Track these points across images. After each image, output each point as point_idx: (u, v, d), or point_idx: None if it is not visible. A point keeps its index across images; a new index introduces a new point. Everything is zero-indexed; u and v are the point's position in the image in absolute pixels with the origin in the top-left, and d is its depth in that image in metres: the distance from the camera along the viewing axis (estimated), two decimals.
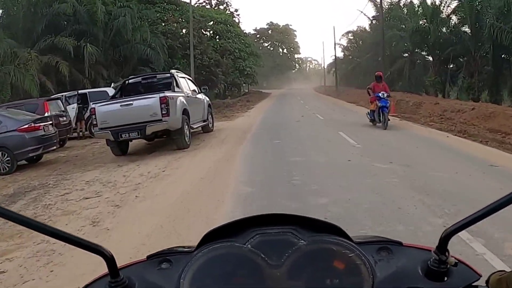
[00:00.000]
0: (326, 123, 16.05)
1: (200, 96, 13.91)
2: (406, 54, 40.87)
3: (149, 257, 0.85)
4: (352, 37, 60.81)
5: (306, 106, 27.29)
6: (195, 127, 12.41)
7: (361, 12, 42.18)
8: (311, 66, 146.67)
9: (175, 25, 34.51)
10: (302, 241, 0.81)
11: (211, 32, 38.53)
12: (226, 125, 16.90)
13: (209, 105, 14.92)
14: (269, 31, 79.53)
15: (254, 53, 43.24)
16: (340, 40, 64.52)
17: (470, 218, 0.68)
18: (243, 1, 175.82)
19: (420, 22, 33.80)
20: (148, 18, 31.94)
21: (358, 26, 52.61)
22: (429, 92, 34.15)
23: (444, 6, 31.43)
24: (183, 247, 0.89)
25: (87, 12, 23.86)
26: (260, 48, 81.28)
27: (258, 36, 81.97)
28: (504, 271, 0.73)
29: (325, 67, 70.65)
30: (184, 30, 36.08)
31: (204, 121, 13.83)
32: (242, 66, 39.19)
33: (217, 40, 39.82)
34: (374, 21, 44.48)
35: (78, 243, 0.68)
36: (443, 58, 32.94)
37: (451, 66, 33.13)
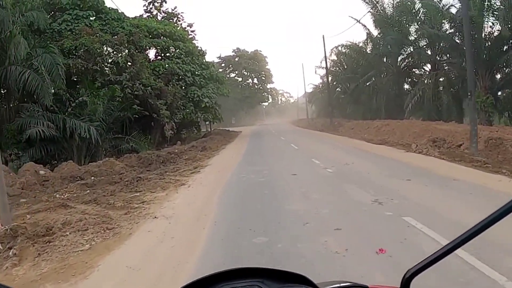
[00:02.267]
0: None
1: None
2: (427, 68, 30.59)
3: None
4: (337, 57, 50.84)
5: (305, 154, 15.69)
6: None
7: (358, 21, 31.05)
8: (283, 99, 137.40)
9: (91, 38, 22.62)
10: None
11: (150, 48, 26.85)
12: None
13: None
14: (236, 59, 69.10)
15: (215, 77, 31.72)
16: (321, 62, 53.30)
17: (429, 259, 0.74)
18: (205, 30, 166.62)
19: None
20: (35, 25, 20.03)
21: (340, 45, 42.45)
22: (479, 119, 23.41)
23: None
24: None
25: None
26: (227, 78, 70.56)
27: (223, 65, 71.34)
28: None
29: (306, 96, 60.22)
30: (108, 48, 24.23)
31: None
32: (197, 95, 27.41)
33: (161, 60, 28.18)
34: (374, 31, 34.02)
35: None
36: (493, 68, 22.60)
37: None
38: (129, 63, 24.52)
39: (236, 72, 71.86)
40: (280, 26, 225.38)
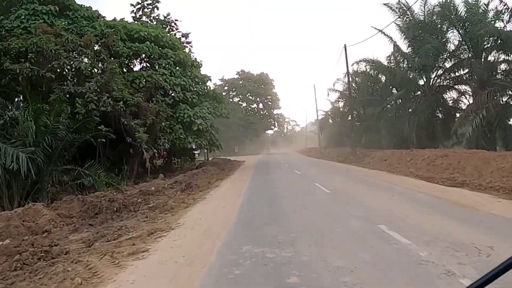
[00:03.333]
0: None
1: None
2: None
3: None
4: (352, 78, 45.36)
5: (349, 205, 9.40)
6: None
7: (380, 31, 24.81)
8: (289, 127, 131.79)
9: (47, 37, 17.16)
10: None
11: (129, 55, 21.33)
12: None
13: None
14: (240, 82, 63.89)
15: (212, 94, 25.94)
16: (334, 85, 47.79)
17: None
18: (208, 53, 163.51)
19: None
20: None
21: (358, 61, 36.75)
22: None
23: None
24: None
25: None
26: (229, 102, 65.15)
27: (226, 88, 66.09)
28: None
29: (317, 123, 54.43)
30: (71, 52, 18.67)
31: None
32: (187, 115, 21.59)
33: (144, 70, 22.63)
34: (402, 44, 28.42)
35: None
36: None
37: None
38: (97, 70, 18.86)
39: (240, 96, 66.50)
40: (285, 52, 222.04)
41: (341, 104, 54.08)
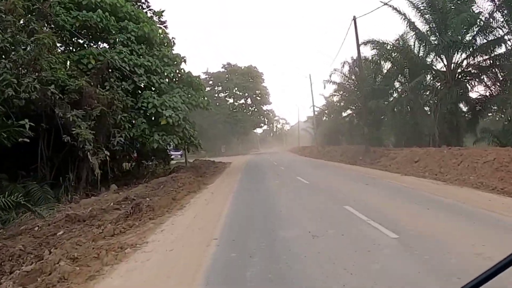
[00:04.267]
0: None
1: None
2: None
3: None
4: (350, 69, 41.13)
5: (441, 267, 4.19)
6: None
7: (385, 4, 19.34)
8: (278, 125, 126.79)
9: None
10: None
11: (72, 25, 16.18)
12: None
13: None
14: (226, 76, 58.68)
15: (187, 79, 20.75)
16: (330, 76, 42.88)
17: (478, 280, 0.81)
18: (192, 46, 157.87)
19: None
20: None
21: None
22: None
23: None
24: None
25: None
26: (215, 98, 59.99)
27: (211, 82, 60.81)
28: None
29: (314, 119, 49.71)
30: None
31: None
32: (152, 105, 16.52)
33: (88, 43, 17.56)
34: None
35: None
36: None
37: None
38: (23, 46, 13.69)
39: (227, 91, 61.23)
40: (275, 45, 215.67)
41: (337, 98, 49.78)
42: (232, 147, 63.60)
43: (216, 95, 60.60)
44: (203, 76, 59.74)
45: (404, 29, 26.21)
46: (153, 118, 17.02)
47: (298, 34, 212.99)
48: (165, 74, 18.43)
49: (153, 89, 17.67)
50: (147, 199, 10.37)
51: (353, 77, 43.75)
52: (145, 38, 18.14)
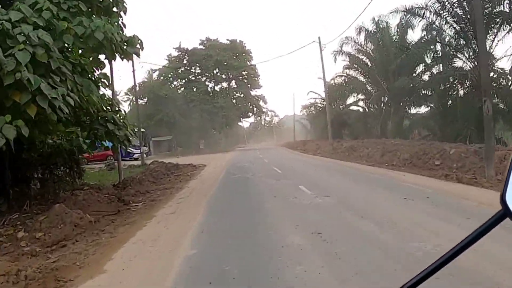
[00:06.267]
0: None
1: None
2: None
3: None
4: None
5: None
6: None
7: None
8: (267, 118, 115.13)
9: None
10: None
11: None
12: None
13: None
14: (205, 53, 46.84)
15: None
16: (341, 47, 31.39)
17: (421, 275, 0.76)
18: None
19: None
20: None
21: None
22: None
23: None
24: None
25: None
26: (191, 80, 48.53)
27: (185, 62, 49.07)
28: None
29: (325, 96, 38.74)
30: None
31: None
32: None
33: None
34: None
35: None
36: None
37: None
38: None
39: (206, 74, 49.53)
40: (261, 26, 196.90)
41: (340, 80, 38.87)
42: (213, 142, 52.21)
43: (193, 78, 48.97)
44: (175, 54, 48.11)
45: None
46: None
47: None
48: None
49: None
50: None
51: (371, 48, 33.28)
52: None
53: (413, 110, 31.74)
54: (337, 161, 21.17)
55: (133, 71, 27.21)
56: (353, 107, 39.80)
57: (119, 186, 13.26)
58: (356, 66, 34.34)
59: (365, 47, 33.66)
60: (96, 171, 23.56)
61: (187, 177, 16.19)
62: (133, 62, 26.97)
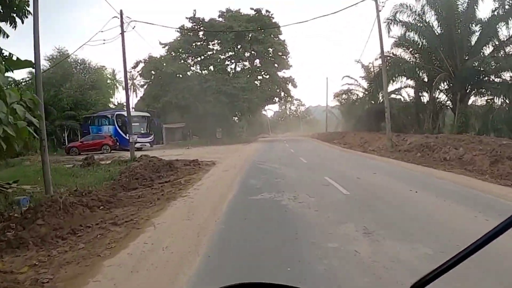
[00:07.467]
0: None
1: None
2: None
3: None
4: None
5: None
6: None
7: None
8: (292, 107, 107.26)
9: None
10: None
11: None
12: None
13: None
14: (225, 25, 39.23)
15: None
16: (396, 15, 22.18)
17: (434, 273, 0.73)
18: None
19: None
20: None
21: None
22: None
23: None
24: None
25: None
26: (207, 57, 41.21)
27: (201, 36, 41.70)
28: None
29: (383, 66, 31.07)
30: None
31: None
32: None
33: None
34: None
35: None
36: None
37: None
38: None
39: (225, 51, 41.92)
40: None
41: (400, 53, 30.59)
42: (233, 131, 44.91)
43: (209, 55, 41.55)
44: (188, 25, 40.70)
45: None
46: None
47: None
48: None
49: None
50: None
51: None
52: None
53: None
54: (420, 168, 13.47)
55: (122, 33, 20.10)
56: (393, 96, 32.64)
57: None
58: (407, 44, 26.60)
59: (422, 18, 25.89)
60: (70, 166, 16.74)
61: (168, 195, 8.89)
62: (121, 18, 19.83)
